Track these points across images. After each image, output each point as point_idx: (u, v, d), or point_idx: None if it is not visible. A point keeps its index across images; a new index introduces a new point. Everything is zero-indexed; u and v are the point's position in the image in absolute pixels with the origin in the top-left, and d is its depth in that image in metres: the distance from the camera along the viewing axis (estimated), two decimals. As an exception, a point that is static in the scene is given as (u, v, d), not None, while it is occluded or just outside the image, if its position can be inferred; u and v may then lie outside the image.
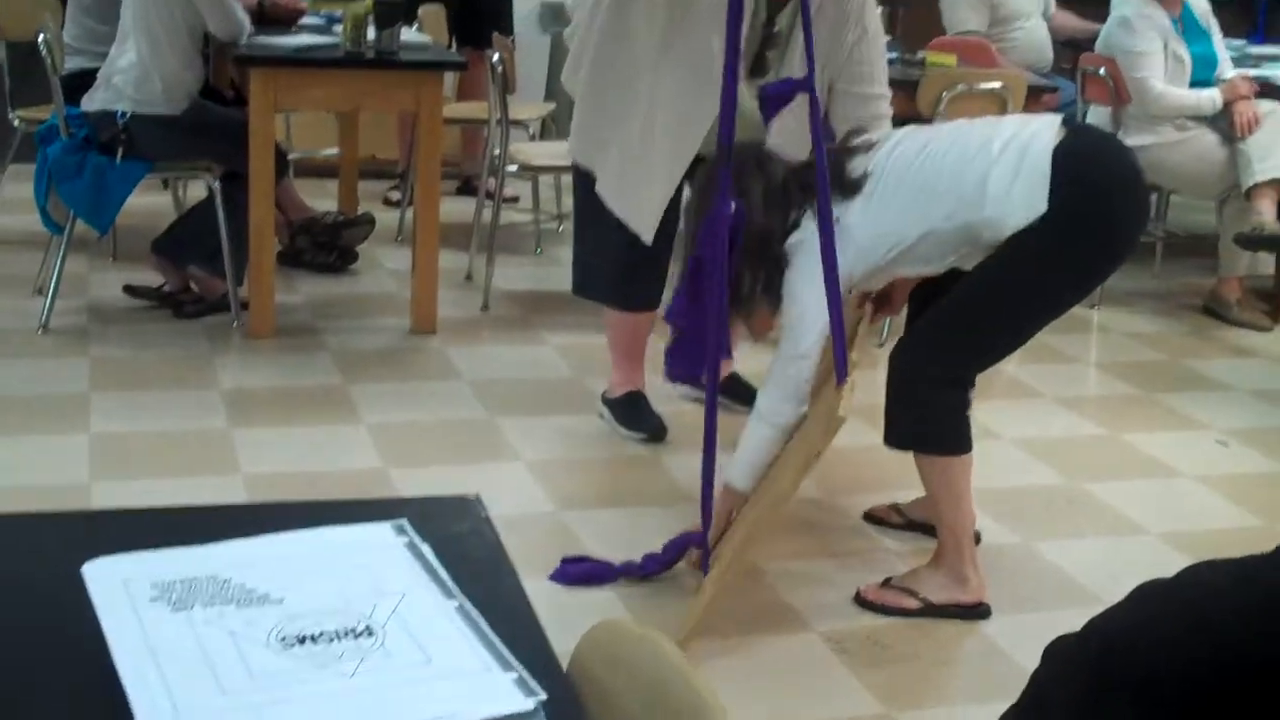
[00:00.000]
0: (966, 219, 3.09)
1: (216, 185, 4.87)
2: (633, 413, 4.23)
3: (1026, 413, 4.63)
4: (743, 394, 4.39)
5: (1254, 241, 5.43)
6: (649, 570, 3.38)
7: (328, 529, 1.49)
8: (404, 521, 1.51)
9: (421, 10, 6.07)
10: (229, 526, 1.50)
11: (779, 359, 3.22)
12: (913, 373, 3.24)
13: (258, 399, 4.37)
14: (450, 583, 1.41)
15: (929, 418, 3.27)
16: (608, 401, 4.30)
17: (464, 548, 1.51)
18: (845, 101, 3.84)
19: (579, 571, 3.37)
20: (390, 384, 4.54)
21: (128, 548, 1.45)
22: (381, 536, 1.48)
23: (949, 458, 3.29)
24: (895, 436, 3.34)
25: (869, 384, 4.81)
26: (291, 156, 5.93)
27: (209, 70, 5.09)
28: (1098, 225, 3.10)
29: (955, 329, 3.22)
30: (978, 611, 3.33)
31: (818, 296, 3.11)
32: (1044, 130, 3.13)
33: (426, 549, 1.46)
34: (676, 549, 3.39)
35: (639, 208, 3.87)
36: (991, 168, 3.08)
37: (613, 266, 4.06)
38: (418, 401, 4.41)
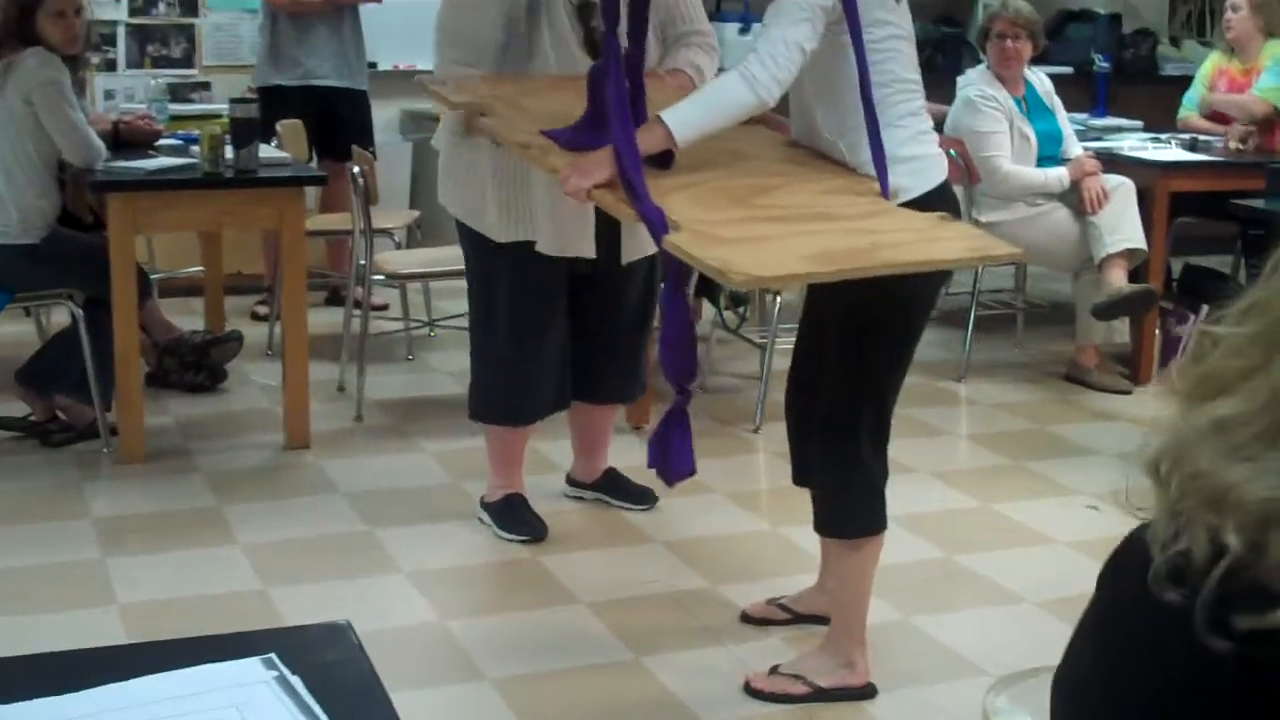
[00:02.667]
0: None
1: (79, 312, 4.82)
2: (512, 516, 4.24)
3: (901, 488, 4.65)
4: (624, 490, 4.42)
5: (1110, 309, 5.58)
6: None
7: (196, 670, 1.48)
8: (273, 656, 1.50)
9: (279, 125, 6.08)
10: (98, 670, 1.49)
11: (767, 33, 3.06)
12: (849, 438, 3.21)
13: (131, 526, 4.31)
14: (321, 716, 1.41)
15: (868, 497, 3.29)
16: (486, 506, 4.30)
17: (336, 677, 1.51)
18: (678, 46, 3.95)
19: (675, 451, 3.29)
20: (266, 502, 4.50)
21: (-5, 699, 1.43)
22: (252, 673, 1.48)
23: (872, 538, 3.32)
24: (834, 523, 3.33)
25: (745, 469, 4.89)
26: (155, 276, 5.90)
27: (66, 197, 5.05)
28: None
29: (849, 368, 3.20)
30: (865, 692, 3.36)
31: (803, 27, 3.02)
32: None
33: (298, 681, 1.46)
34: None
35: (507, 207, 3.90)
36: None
37: (500, 383, 4.10)
38: (294, 518, 4.38)
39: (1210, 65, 6.53)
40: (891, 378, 3.27)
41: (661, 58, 3.93)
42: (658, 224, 2.88)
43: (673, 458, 3.29)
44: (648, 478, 4.34)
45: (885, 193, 3.08)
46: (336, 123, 6.50)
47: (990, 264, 2.89)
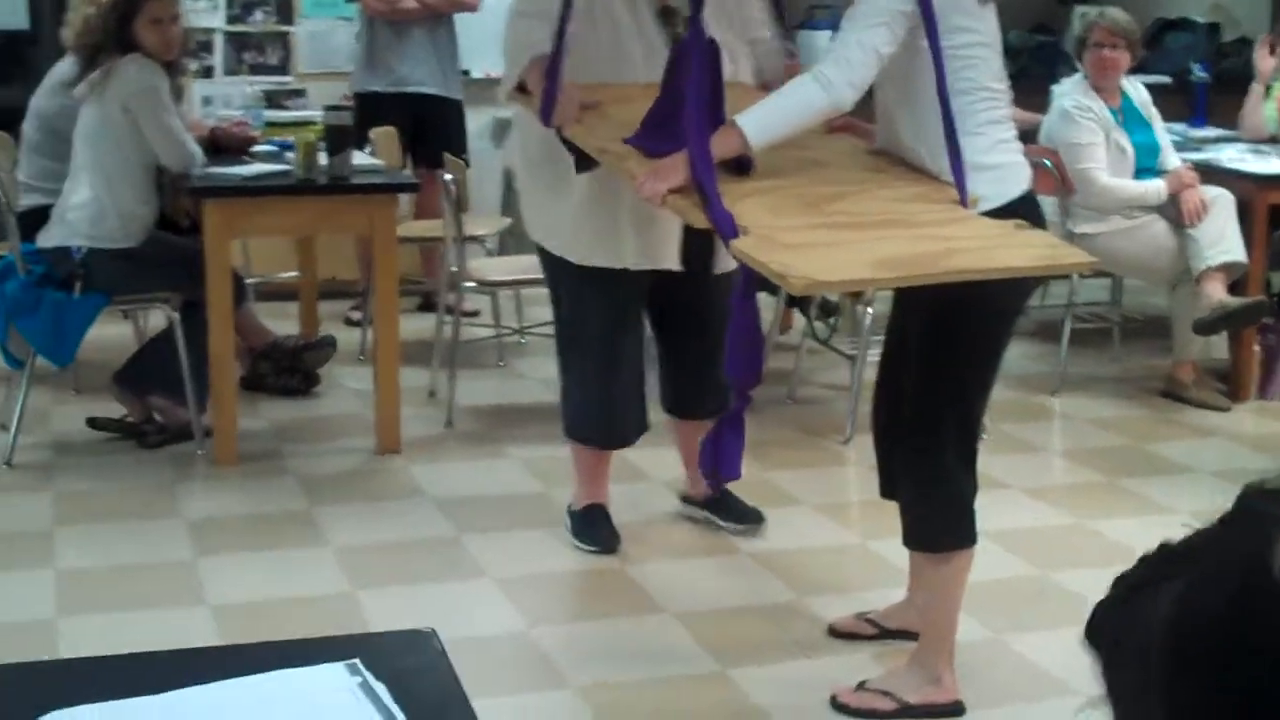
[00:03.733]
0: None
1: (176, 315, 4.88)
2: (588, 526, 4.24)
3: (995, 504, 4.61)
4: (732, 510, 4.37)
5: (1215, 324, 5.48)
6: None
7: (281, 674, 1.49)
8: (357, 662, 1.51)
9: (373, 133, 6.13)
10: (186, 672, 1.50)
11: (843, 36, 3.07)
12: (933, 450, 3.19)
13: (223, 527, 4.36)
14: (405, 722, 1.41)
15: (956, 510, 3.27)
16: (570, 513, 4.31)
17: (419, 684, 1.51)
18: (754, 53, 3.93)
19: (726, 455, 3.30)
20: (356, 505, 4.53)
21: (85, 697, 1.44)
22: (336, 678, 1.48)
23: (961, 552, 3.29)
24: (924, 537, 3.31)
25: (834, 480, 4.86)
26: (250, 281, 5.96)
27: (164, 201, 5.12)
28: None
29: (932, 379, 3.18)
30: (953, 710, 3.32)
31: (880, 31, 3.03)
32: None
33: (381, 688, 1.46)
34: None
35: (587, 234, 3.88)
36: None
37: (592, 405, 4.09)
38: (384, 522, 4.40)
39: (1276, 96, 6.44)
40: (976, 389, 3.24)
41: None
42: (727, 229, 2.87)
43: (722, 463, 3.28)
44: (759, 502, 4.36)
45: (964, 200, 3.06)
46: (430, 130, 6.55)
47: (1059, 273, 2.85)
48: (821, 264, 2.72)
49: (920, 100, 3.12)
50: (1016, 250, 2.90)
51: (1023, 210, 3.15)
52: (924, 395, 3.20)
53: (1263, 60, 6.49)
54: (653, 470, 4.69)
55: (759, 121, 3.05)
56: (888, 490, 3.44)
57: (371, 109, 6.32)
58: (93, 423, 5.11)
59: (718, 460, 3.27)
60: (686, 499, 4.44)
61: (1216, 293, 5.47)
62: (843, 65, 3.02)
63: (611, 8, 3.71)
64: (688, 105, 3.05)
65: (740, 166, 3.13)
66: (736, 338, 3.20)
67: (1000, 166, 3.17)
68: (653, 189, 3.06)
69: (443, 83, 6.70)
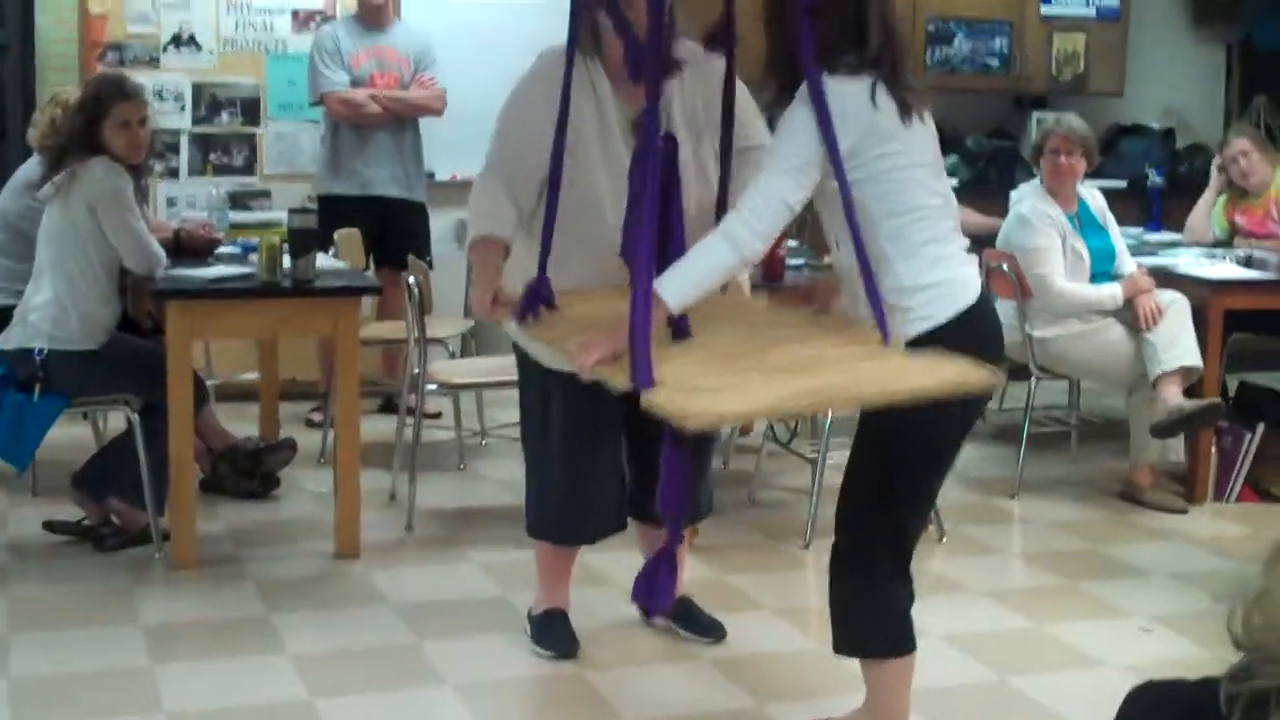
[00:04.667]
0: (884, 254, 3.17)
1: (135, 417, 4.87)
2: (546, 631, 4.22)
3: (953, 607, 4.65)
4: (695, 621, 4.36)
5: (1170, 428, 5.54)
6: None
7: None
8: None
9: (337, 235, 6.16)
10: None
11: (758, 181, 3.13)
12: (862, 570, 3.23)
13: (181, 633, 4.32)
14: None
15: (885, 619, 3.29)
16: (530, 618, 4.29)
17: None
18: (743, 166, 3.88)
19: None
20: (314, 611, 4.50)
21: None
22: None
23: (898, 659, 3.30)
24: (849, 643, 3.34)
25: (794, 585, 4.86)
26: (211, 383, 5.96)
27: (126, 302, 5.12)
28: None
29: (870, 492, 3.23)
30: (913, 818, 3.32)
31: (813, 131, 3.08)
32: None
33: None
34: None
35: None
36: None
37: (554, 502, 4.10)
38: (342, 628, 4.37)
39: (1222, 207, 6.60)
40: (910, 505, 3.28)
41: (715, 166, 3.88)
42: (644, 380, 2.90)
43: (655, 595, 3.29)
44: (719, 607, 4.36)
45: (886, 338, 3.10)
46: (394, 233, 6.60)
47: (964, 392, 2.92)
48: (721, 401, 2.78)
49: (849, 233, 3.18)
50: (926, 376, 2.96)
51: (964, 328, 3.17)
52: (856, 519, 3.27)
53: (1218, 173, 6.65)
54: (616, 576, 4.68)
55: (675, 286, 3.07)
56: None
57: (335, 212, 6.37)
58: (49, 526, 5.07)
59: (650, 592, 3.29)
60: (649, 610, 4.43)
61: (1173, 396, 5.53)
62: (750, 220, 3.08)
63: (580, 122, 3.72)
64: (636, 261, 3.07)
65: (677, 330, 3.19)
66: (669, 478, 3.24)
67: (940, 284, 3.19)
68: (581, 363, 3.08)
69: (406, 186, 6.77)
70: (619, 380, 2.98)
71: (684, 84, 3.80)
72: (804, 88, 3.10)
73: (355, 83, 6.69)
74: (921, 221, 3.20)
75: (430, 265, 6.15)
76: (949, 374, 2.93)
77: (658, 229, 3.16)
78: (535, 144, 3.66)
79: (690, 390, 2.81)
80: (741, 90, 3.78)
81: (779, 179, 3.09)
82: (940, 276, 3.21)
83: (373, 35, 6.79)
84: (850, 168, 3.10)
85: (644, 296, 2.95)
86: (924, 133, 3.23)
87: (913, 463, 3.21)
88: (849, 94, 3.11)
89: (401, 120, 6.75)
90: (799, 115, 3.11)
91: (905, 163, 3.17)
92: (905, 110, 3.16)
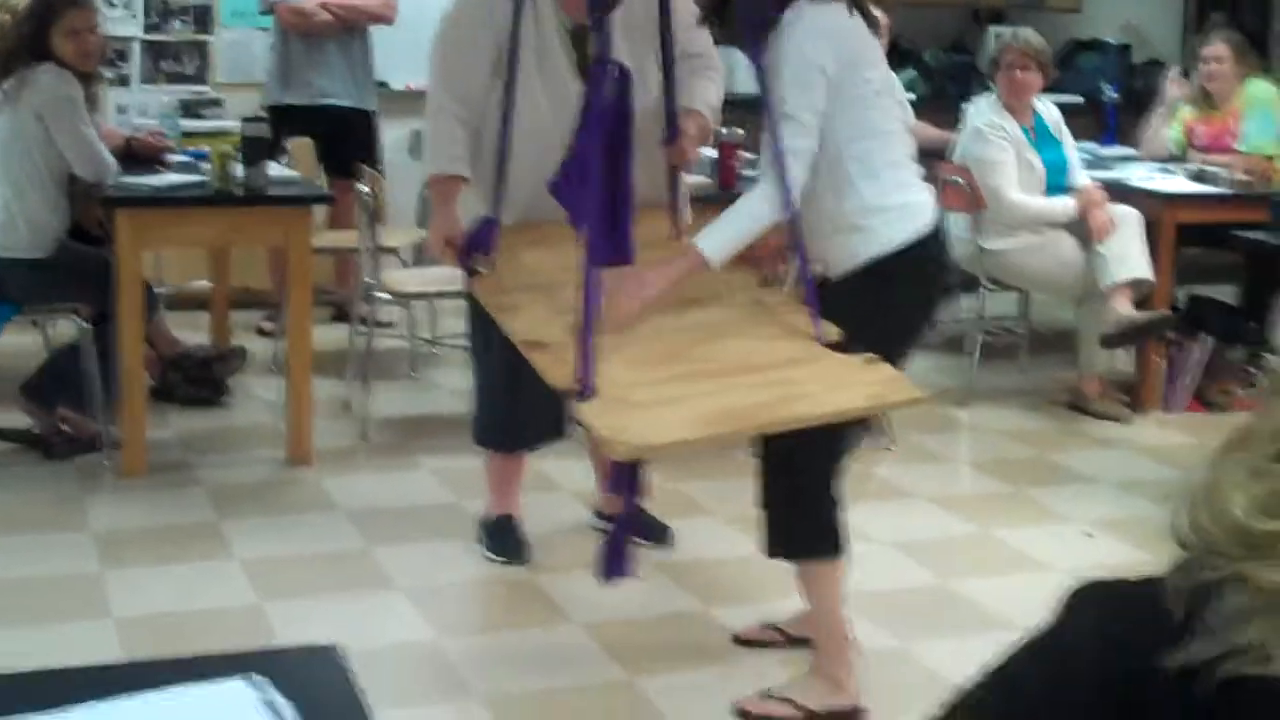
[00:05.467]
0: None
1: (86, 326, 4.85)
2: (498, 536, 4.25)
3: (899, 513, 4.71)
4: (644, 526, 4.40)
5: (1119, 339, 5.59)
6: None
7: (182, 688, 1.50)
8: (260, 677, 1.52)
9: (289, 143, 6.11)
10: (86, 688, 1.50)
11: (783, 141, 3.15)
12: (797, 463, 3.25)
13: (130, 539, 4.33)
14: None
15: (815, 522, 3.32)
16: (481, 524, 4.32)
17: (322, 700, 1.52)
18: (686, 75, 3.91)
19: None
20: (265, 518, 4.52)
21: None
22: (238, 694, 1.49)
23: (832, 561, 3.34)
24: (781, 546, 3.37)
25: (743, 492, 4.88)
26: (161, 291, 5.93)
27: (76, 210, 5.08)
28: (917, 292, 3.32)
29: None
30: (854, 715, 3.37)
31: (818, 79, 3.13)
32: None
33: (283, 704, 1.47)
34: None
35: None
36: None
37: (497, 411, 4.11)
38: (293, 534, 4.40)
39: (1181, 119, 6.60)
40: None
41: (662, 82, 3.87)
42: (582, 390, 2.91)
43: (620, 565, 3.30)
44: (670, 513, 4.39)
45: (818, 333, 3.16)
46: (344, 142, 6.55)
47: (890, 409, 3.01)
48: (654, 425, 2.83)
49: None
50: (852, 391, 3.01)
51: (923, 250, 3.26)
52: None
53: (1172, 87, 6.65)
54: (565, 482, 4.72)
55: (718, 243, 3.17)
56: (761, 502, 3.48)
57: (286, 121, 6.31)
58: (-1, 433, 5.07)
59: (612, 563, 3.30)
60: (599, 513, 4.46)
61: (1123, 308, 5.57)
62: (785, 178, 3.13)
63: (517, 37, 3.66)
64: (585, 196, 3.07)
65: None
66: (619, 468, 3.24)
67: (900, 207, 3.27)
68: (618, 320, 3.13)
69: (356, 95, 6.71)
70: (556, 376, 2.99)
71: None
72: (794, 21, 3.14)
73: (306, -9, 6.61)
74: (886, 144, 3.27)
75: (381, 174, 6.12)
76: (876, 390, 3.00)
77: (608, 210, 3.17)
78: (476, 67, 3.65)
79: (623, 406, 2.84)
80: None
81: (801, 139, 3.14)
82: (901, 200, 3.28)
83: (322, -57, 6.69)
84: (832, 94, 3.17)
85: (594, 285, 2.94)
86: (883, 55, 3.29)
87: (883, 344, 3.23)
88: (832, 20, 3.15)
89: (351, 29, 6.68)
90: (799, 61, 3.14)
91: (879, 87, 3.25)
92: (874, 31, 3.21)
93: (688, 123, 3.86)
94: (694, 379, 3.00)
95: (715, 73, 4.03)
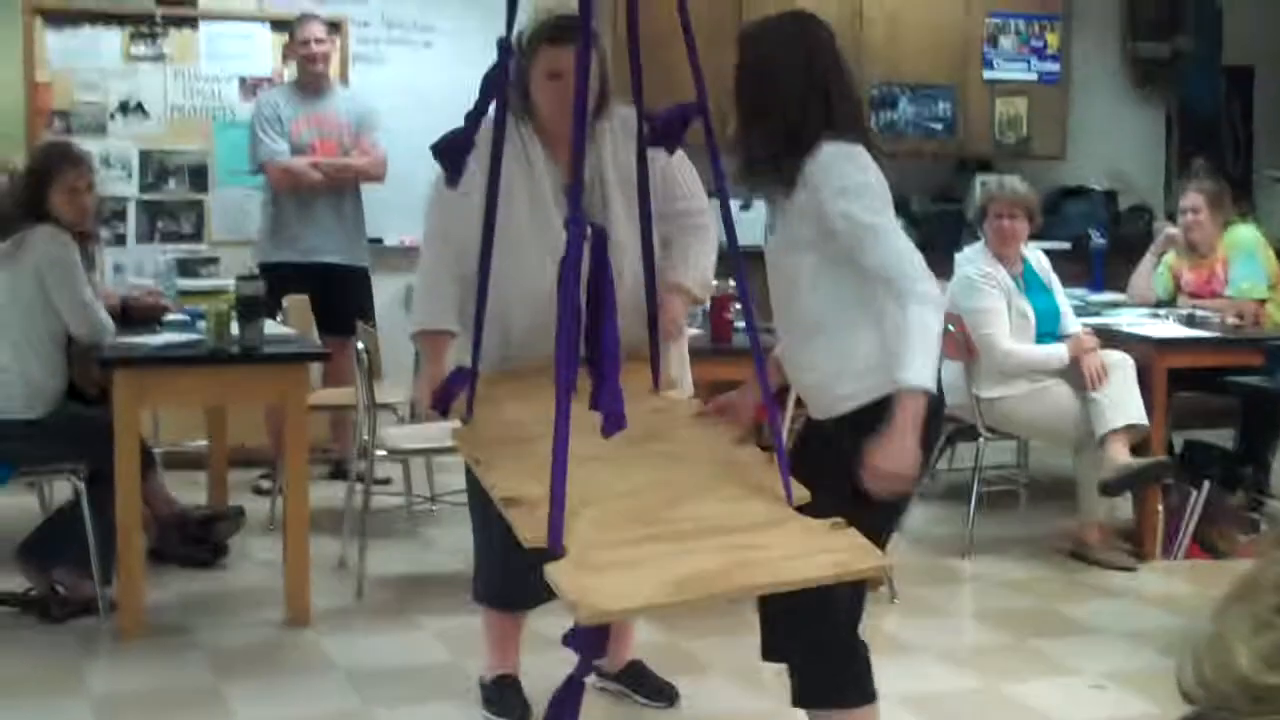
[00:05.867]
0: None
1: (82, 486, 4.83)
2: (498, 698, 4.19)
3: (905, 668, 4.65)
4: (647, 685, 4.35)
5: (1118, 486, 5.59)
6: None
7: None
8: None
9: (286, 301, 6.15)
10: None
11: (891, 248, 3.05)
12: (825, 606, 3.15)
13: (128, 704, 4.27)
14: None
15: (847, 670, 3.26)
16: (481, 684, 4.27)
17: None
18: (667, 221, 3.89)
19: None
20: (264, 680, 4.46)
21: None
22: None
23: (866, 709, 3.28)
24: (814, 696, 3.29)
25: (746, 647, 4.83)
26: (158, 450, 5.92)
27: (72, 371, 5.09)
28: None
29: None
30: None
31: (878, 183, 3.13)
32: None
33: None
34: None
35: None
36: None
37: (497, 569, 4.08)
38: (293, 696, 4.33)
39: (1169, 265, 6.69)
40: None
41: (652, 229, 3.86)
42: (554, 545, 2.90)
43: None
44: (671, 670, 4.34)
45: (789, 497, 3.10)
46: (338, 299, 6.59)
47: (853, 578, 2.94)
48: (619, 589, 2.79)
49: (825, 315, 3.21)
50: (817, 559, 2.96)
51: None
52: None
53: (1167, 232, 6.75)
54: (566, 639, 4.66)
55: (924, 371, 3.00)
56: (770, 652, 3.43)
57: (277, 279, 6.35)
58: (-6, 596, 5.02)
59: (557, 715, 3.25)
60: (600, 672, 4.41)
61: (1120, 454, 5.58)
62: (920, 279, 3.04)
63: (511, 191, 3.67)
64: (557, 408, 3.03)
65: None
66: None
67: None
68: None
69: (348, 252, 6.79)
70: (528, 534, 2.97)
71: (617, 145, 3.82)
72: (831, 156, 3.12)
73: (296, 150, 6.70)
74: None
75: (376, 330, 6.14)
76: (840, 558, 2.96)
77: (576, 355, 3.15)
78: (470, 218, 3.67)
79: (588, 568, 2.83)
80: (680, 157, 3.81)
81: (901, 236, 3.10)
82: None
83: (312, 102, 6.81)
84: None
85: (563, 440, 2.91)
86: None
87: (872, 502, 3.13)
88: (864, 156, 3.16)
89: (342, 187, 6.76)
90: (852, 181, 3.10)
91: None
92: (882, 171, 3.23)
93: (671, 301, 3.88)
94: (659, 540, 2.97)
95: (706, 231, 4.01)
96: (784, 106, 3.18)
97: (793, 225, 3.20)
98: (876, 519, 3.13)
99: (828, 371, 3.24)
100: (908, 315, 3.01)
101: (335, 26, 7.50)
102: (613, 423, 3.14)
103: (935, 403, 3.32)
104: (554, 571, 2.82)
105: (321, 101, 6.82)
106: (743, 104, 3.28)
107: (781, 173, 3.18)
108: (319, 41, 6.75)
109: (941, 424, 3.48)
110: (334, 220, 6.77)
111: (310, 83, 6.80)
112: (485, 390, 3.60)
